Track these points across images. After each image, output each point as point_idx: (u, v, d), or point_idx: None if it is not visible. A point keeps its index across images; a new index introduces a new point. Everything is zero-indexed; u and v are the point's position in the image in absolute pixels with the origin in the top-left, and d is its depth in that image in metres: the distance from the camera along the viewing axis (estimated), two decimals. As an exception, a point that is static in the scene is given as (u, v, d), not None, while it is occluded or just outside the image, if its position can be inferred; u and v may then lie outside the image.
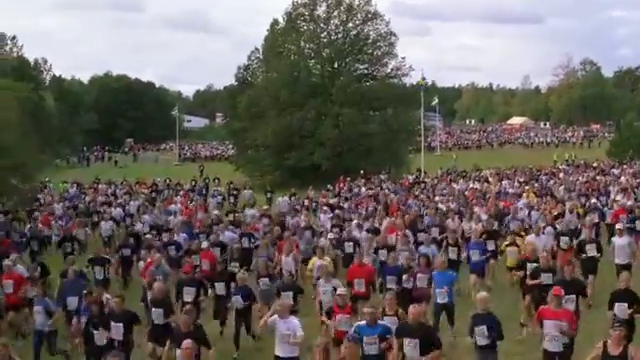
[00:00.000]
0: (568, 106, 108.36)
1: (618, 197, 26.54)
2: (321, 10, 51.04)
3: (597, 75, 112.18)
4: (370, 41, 50.68)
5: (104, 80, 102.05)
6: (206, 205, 29.24)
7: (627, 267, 15.17)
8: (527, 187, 31.54)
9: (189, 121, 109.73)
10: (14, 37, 74.44)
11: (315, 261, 15.45)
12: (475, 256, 16.02)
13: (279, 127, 47.67)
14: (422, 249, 16.25)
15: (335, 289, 12.12)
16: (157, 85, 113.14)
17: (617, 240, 16.06)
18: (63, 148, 67.98)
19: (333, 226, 21.07)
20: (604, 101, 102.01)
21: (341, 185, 36.82)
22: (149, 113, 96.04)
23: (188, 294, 13.26)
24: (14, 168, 17.70)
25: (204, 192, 37.11)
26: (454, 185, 35.04)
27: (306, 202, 29.88)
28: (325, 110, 48.80)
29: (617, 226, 16.91)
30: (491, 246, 16.86)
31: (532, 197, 27.36)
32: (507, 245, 16.76)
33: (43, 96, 64.91)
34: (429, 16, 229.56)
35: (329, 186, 36.02)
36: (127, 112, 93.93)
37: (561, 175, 38.61)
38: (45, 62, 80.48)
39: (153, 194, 35.74)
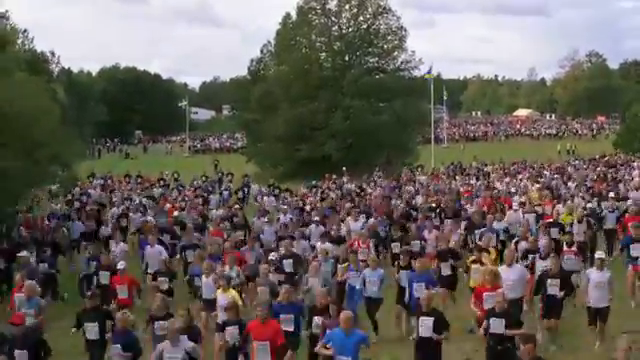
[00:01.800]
0: (574, 98, 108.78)
1: (633, 195, 23.30)
2: (332, 4, 51.86)
3: (603, 67, 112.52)
4: (380, 35, 51.44)
5: (112, 72, 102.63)
6: (197, 204, 25.95)
7: (602, 313, 11.91)
8: (533, 186, 28.14)
9: (195, 113, 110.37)
10: (25, 30, 75.11)
11: (219, 295, 12.12)
12: (419, 292, 12.16)
13: (291, 119, 48.48)
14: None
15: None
16: (163, 77, 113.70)
17: (593, 274, 12.08)
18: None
19: (280, 238, 17.72)
20: (610, 93, 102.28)
21: (327, 181, 35.01)
22: (157, 105, 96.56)
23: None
24: (53, 158, 18.54)
25: (210, 189, 34.66)
26: (452, 182, 33.26)
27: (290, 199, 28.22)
28: (336, 102, 49.55)
29: (597, 255, 12.57)
30: (446, 270, 14.49)
31: (535, 197, 24.61)
32: (472, 262, 14.12)
33: (55, 89, 65.58)
34: (435, 8, 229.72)
35: (314, 182, 35.02)
36: (135, 104, 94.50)
37: (569, 169, 36.89)
38: (53, 54, 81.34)
39: (160, 189, 33.65)
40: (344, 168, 38.35)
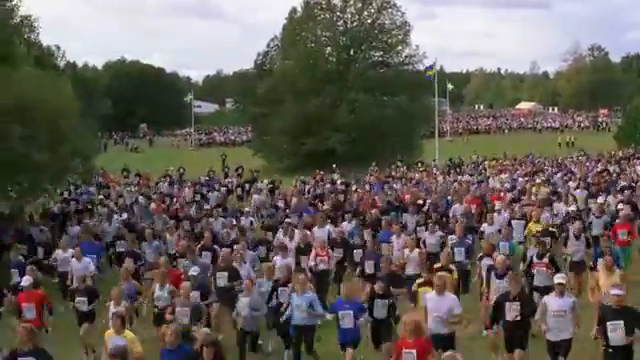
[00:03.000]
0: (576, 91, 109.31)
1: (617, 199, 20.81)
2: (337, -1, 52.56)
3: (605, 60, 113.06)
4: (385, 30, 52.20)
5: (117, 66, 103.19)
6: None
7: (562, 347, 10.01)
8: (535, 181, 26.64)
9: (199, 107, 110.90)
10: (36, 22, 75.54)
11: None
12: (346, 321, 10.80)
13: (296, 113, 49.25)
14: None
15: None
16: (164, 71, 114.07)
17: (551, 301, 10.17)
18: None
19: (232, 243, 15.93)
20: (612, 86, 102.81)
21: (316, 178, 34.06)
22: (161, 99, 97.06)
23: None
24: (74, 153, 19.25)
25: (209, 186, 32.55)
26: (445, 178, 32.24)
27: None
28: (341, 96, 50.29)
29: (556, 280, 10.42)
30: (380, 311, 11.52)
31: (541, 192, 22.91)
32: (420, 285, 11.67)
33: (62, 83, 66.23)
34: (437, 1, 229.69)
35: (302, 177, 34.14)
36: (140, 98, 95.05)
37: (574, 169, 34.04)
38: (59, 48, 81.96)
39: (164, 185, 32.38)
40: (334, 165, 38.36)
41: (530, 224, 17.04)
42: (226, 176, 39.49)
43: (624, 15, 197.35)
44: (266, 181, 32.98)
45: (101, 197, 26.98)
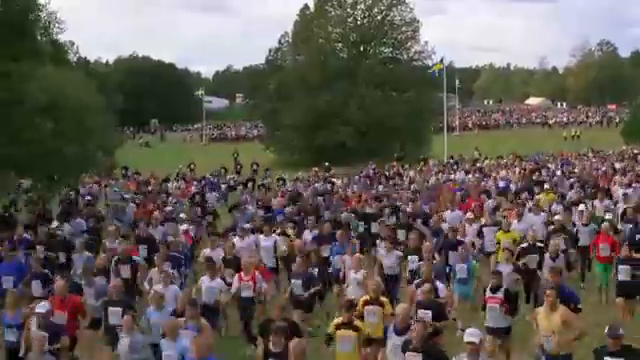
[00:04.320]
0: (585, 87, 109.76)
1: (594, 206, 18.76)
2: (348, -4, 53.39)
3: (614, 56, 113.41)
4: (395, 26, 53.05)
5: (129, 62, 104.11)
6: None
7: None
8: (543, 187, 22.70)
9: (210, 102, 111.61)
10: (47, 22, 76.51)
11: None
12: None
13: (307, 108, 50.05)
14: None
15: None
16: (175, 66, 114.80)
17: None
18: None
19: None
20: (620, 82, 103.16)
21: (313, 174, 33.40)
22: (172, 94, 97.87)
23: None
24: (99, 147, 20.14)
25: (216, 182, 31.90)
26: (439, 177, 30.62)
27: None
28: (351, 92, 51.04)
29: (467, 337, 7.80)
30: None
31: (544, 201, 19.83)
32: (338, 327, 9.26)
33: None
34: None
35: (300, 173, 33.54)
36: (151, 93, 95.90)
37: (576, 168, 32.11)
38: (72, 44, 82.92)
39: (175, 183, 30.96)
40: (326, 163, 38.47)
41: (499, 233, 14.84)
42: (238, 173, 39.56)
43: (633, 10, 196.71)
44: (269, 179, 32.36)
45: (89, 198, 23.79)
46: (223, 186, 30.94)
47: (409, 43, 53.34)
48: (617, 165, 30.99)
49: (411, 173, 34.02)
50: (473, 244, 14.92)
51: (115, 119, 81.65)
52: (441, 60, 50.41)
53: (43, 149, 16.04)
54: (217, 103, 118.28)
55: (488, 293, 10.46)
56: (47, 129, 16.38)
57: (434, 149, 50.39)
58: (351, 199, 22.22)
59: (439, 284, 10.77)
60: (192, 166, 40.29)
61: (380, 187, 27.37)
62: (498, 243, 14.51)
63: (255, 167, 40.78)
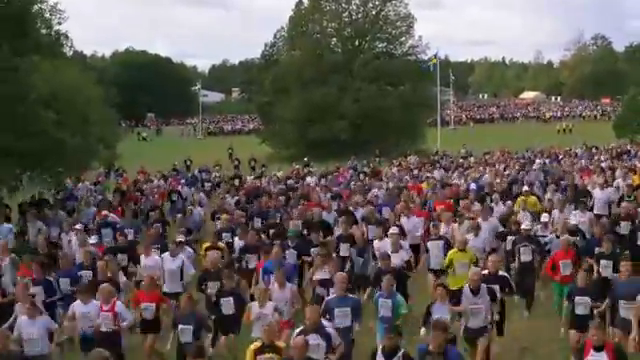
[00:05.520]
0: (580, 81, 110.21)
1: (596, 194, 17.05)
2: (343, -9, 53.93)
3: (608, 50, 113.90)
4: (389, 21, 53.67)
5: (125, 55, 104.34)
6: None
7: None
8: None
9: (206, 96, 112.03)
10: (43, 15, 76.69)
11: None
12: None
13: (302, 102, 50.61)
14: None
15: None
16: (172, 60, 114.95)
17: None
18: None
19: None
20: (615, 76, 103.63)
21: (293, 172, 32.52)
22: (168, 88, 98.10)
23: None
24: (100, 140, 20.62)
25: (203, 179, 31.20)
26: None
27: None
28: (346, 86, 51.67)
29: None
30: None
31: (530, 204, 16.91)
32: (257, 350, 8.00)
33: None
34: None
35: (280, 172, 31.96)
36: (147, 87, 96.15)
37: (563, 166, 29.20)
38: (67, 37, 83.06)
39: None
40: (305, 158, 38.37)
41: (451, 252, 12.09)
42: (236, 168, 38.80)
43: (627, 3, 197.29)
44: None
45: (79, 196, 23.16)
46: (208, 185, 29.49)
47: (403, 38, 54.06)
48: (603, 164, 27.92)
49: (393, 169, 31.33)
50: (403, 232, 13.19)
51: (112, 113, 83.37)
52: (435, 54, 51.14)
53: (49, 142, 16.34)
54: (213, 97, 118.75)
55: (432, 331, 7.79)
56: (51, 121, 16.83)
57: (428, 142, 50.98)
58: (312, 201, 19.40)
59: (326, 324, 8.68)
60: (188, 162, 39.75)
61: (352, 184, 24.61)
62: (450, 265, 11.93)
63: (253, 164, 40.48)
